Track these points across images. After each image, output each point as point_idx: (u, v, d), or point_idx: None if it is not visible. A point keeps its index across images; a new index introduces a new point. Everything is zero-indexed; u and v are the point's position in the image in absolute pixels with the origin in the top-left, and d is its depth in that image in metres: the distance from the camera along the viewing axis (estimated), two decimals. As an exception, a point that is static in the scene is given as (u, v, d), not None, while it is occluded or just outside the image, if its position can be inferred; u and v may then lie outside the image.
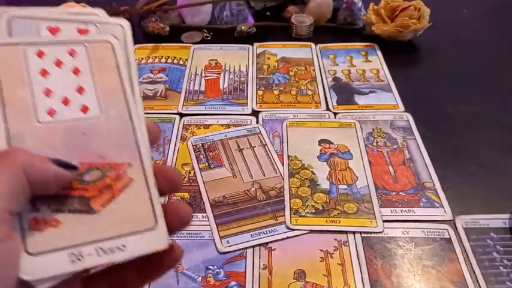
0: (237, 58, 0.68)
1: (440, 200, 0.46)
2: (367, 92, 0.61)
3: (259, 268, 0.41)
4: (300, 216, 0.45)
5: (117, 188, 0.26)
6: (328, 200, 0.46)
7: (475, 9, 0.80)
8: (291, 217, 0.45)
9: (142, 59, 0.68)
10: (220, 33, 0.73)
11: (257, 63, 0.67)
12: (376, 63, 0.67)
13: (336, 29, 0.74)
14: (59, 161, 0.24)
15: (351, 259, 0.41)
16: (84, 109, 0.27)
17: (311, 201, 0.46)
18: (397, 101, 0.60)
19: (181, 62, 0.67)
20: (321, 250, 0.42)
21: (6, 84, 0.26)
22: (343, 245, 0.43)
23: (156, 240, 0.25)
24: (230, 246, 0.42)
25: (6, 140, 0.25)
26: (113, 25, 0.30)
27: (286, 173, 0.49)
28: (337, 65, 0.67)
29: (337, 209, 0.45)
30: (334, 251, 0.42)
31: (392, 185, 0.48)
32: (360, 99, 0.60)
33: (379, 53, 0.69)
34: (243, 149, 0.52)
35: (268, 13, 0.78)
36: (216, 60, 0.67)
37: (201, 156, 0.52)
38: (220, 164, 0.51)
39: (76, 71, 0.28)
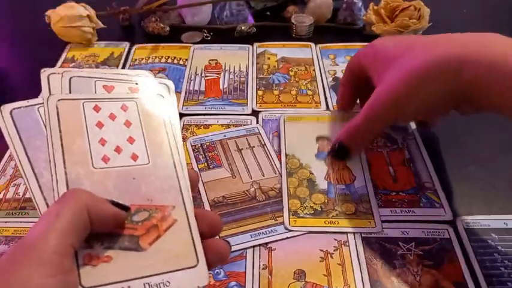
0: (237, 58, 0.68)
1: (440, 200, 0.46)
2: (367, 92, 0.61)
3: (259, 268, 0.41)
4: (299, 217, 0.45)
5: (163, 228, 0.28)
6: (326, 201, 0.46)
7: (475, 9, 0.80)
8: (289, 218, 0.45)
9: (142, 59, 0.68)
10: (220, 33, 0.73)
11: (257, 63, 0.67)
12: (376, 63, 0.66)
13: (336, 29, 0.74)
14: (115, 202, 0.27)
15: (351, 259, 0.41)
16: (134, 157, 0.30)
17: (309, 202, 0.46)
18: (397, 101, 0.59)
19: (181, 62, 0.67)
20: (321, 250, 0.42)
21: (66, 134, 0.29)
22: (343, 245, 0.42)
23: (197, 277, 0.27)
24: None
25: (65, 182, 0.28)
26: (159, 84, 0.34)
27: (284, 171, 0.49)
28: (337, 65, 0.67)
29: (336, 210, 0.45)
30: (334, 251, 0.42)
31: (392, 185, 0.48)
32: (359, 99, 0.60)
33: (379, 53, 0.68)
34: (242, 149, 0.52)
35: (268, 13, 0.78)
36: (216, 60, 0.67)
37: (200, 157, 0.52)
38: (219, 164, 0.51)
39: (127, 124, 0.31)
